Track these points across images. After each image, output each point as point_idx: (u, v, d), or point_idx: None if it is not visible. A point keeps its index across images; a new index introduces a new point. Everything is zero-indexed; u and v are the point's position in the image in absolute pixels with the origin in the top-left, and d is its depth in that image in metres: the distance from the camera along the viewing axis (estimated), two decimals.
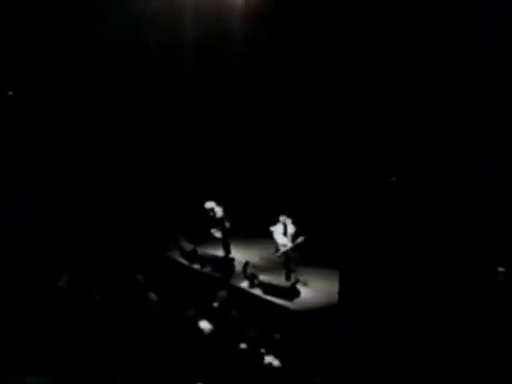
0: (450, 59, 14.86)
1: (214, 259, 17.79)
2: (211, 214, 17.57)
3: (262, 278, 16.85)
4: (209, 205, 17.62)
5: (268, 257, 17.47)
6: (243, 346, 13.28)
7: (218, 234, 17.70)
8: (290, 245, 16.64)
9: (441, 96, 14.99)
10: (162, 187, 19.76)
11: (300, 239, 16.37)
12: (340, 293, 15.90)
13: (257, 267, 17.18)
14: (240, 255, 18.06)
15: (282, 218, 16.78)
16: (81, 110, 19.88)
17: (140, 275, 15.69)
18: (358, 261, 15.66)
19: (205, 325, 13.77)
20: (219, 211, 17.57)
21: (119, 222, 18.66)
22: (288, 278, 16.86)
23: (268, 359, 12.88)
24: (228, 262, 17.71)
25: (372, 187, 15.70)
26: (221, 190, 18.52)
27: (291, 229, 16.67)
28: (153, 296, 14.92)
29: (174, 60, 19.61)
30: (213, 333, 13.61)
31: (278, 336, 14.14)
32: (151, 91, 19.91)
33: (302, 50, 18.27)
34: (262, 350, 13.18)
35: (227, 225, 17.67)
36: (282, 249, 16.60)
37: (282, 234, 16.73)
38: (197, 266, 17.85)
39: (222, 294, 15.21)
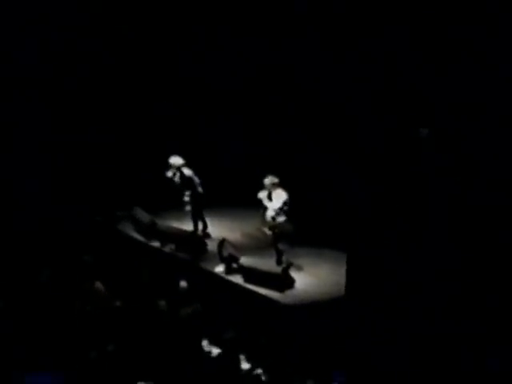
0: None
1: (179, 235, 16.22)
2: (176, 177, 16.12)
3: (243, 260, 15.20)
4: (170, 173, 16.14)
5: (252, 233, 16.22)
6: (216, 351, 12.48)
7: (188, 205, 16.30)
8: (282, 217, 14.92)
9: None
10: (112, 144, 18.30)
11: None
12: (347, 282, 14.42)
13: (236, 246, 15.63)
14: (214, 230, 16.59)
15: (267, 181, 14.98)
16: None
17: (88, 256, 15.01)
18: (372, 240, 14.10)
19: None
20: (189, 172, 16.04)
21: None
22: (279, 261, 15.14)
23: (249, 367, 12.11)
24: (198, 238, 16.15)
25: (395, 142, 14.11)
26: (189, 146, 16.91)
27: (283, 196, 15.03)
28: (99, 285, 13.98)
29: None
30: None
31: (263, 339, 13.28)
32: None
33: None
34: (242, 357, 12.29)
35: (200, 190, 16.02)
36: (272, 218, 14.92)
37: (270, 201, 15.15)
38: (156, 244, 16.34)
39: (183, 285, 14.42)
